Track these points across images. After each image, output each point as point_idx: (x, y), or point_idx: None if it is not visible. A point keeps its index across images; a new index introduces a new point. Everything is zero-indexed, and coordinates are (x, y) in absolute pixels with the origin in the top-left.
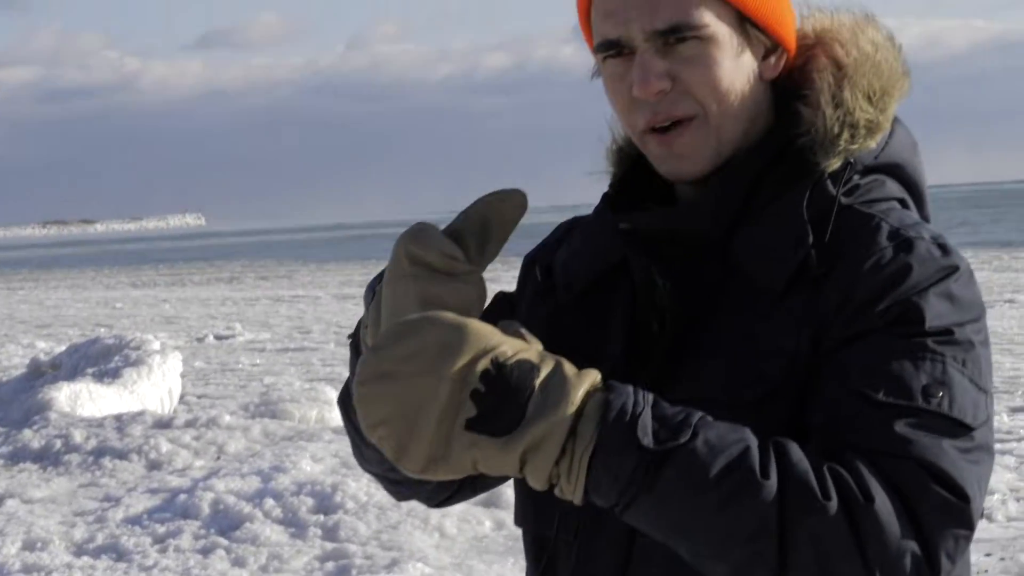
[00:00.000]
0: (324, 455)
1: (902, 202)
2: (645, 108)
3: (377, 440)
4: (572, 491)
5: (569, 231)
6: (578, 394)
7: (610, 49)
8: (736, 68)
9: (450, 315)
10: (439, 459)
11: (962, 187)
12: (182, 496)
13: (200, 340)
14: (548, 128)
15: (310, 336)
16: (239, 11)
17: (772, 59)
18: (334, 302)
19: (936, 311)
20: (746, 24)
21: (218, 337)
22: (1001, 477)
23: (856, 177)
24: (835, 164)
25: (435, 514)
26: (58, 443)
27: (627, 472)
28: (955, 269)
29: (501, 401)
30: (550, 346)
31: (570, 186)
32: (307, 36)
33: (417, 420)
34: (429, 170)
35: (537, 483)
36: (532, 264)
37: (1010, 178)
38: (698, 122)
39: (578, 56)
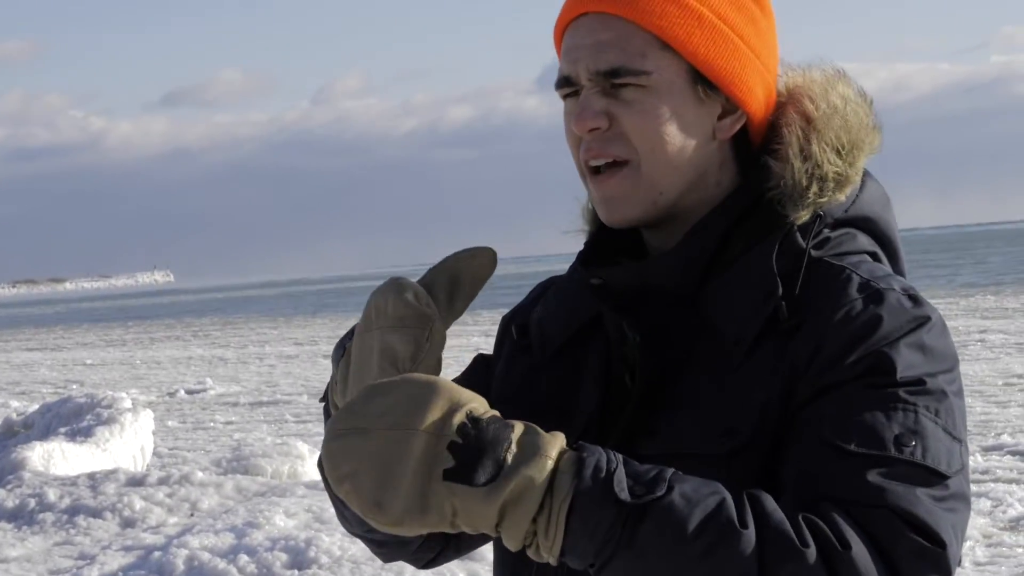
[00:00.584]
0: (297, 510)
1: (873, 255)
2: (584, 145)
3: (344, 495)
4: (549, 548)
5: (545, 290)
6: (554, 450)
7: (562, 86)
8: (679, 121)
9: (421, 375)
10: (414, 511)
11: (928, 230)
12: (156, 553)
13: (171, 395)
14: (514, 179)
15: (280, 390)
16: (202, 69)
17: (727, 120)
18: (304, 356)
19: (908, 362)
20: (699, 82)
21: (189, 392)
22: (973, 522)
23: (826, 230)
24: (804, 217)
25: (409, 569)
26: (32, 502)
27: (604, 528)
28: (926, 320)
29: (479, 453)
30: (526, 402)
31: (536, 237)
32: (271, 92)
33: (391, 473)
34: (396, 224)
35: (513, 540)
36: (509, 324)
37: (975, 221)
38: (629, 168)
39: (542, 108)
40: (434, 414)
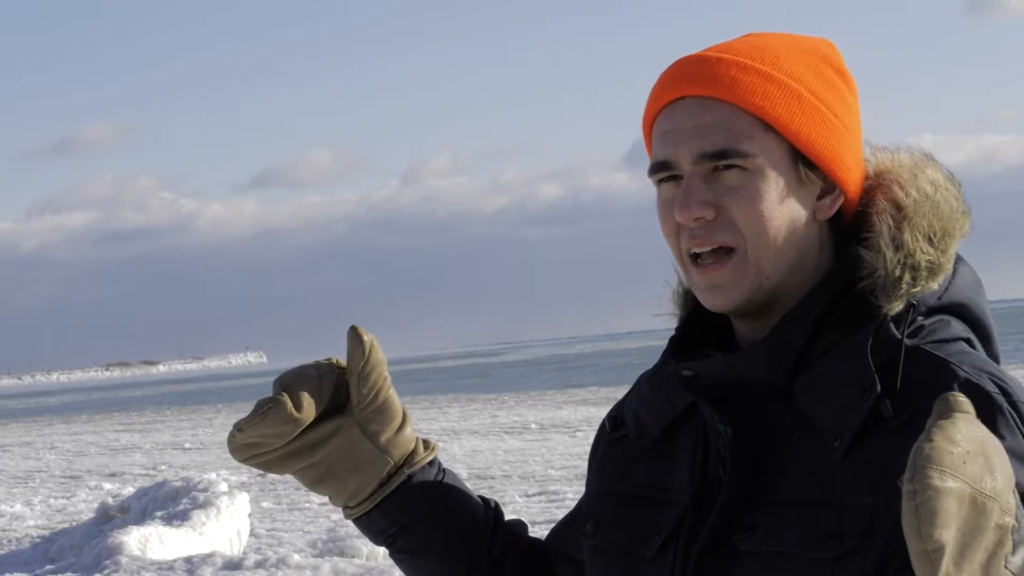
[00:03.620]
0: None
1: (968, 341)
2: (687, 233)
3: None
4: None
5: (639, 384)
6: None
7: (660, 171)
8: (783, 204)
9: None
10: None
11: (1018, 301)
12: None
13: (263, 475)
14: (603, 256)
15: None
16: (292, 149)
17: (827, 199)
18: None
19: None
20: (799, 161)
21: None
22: None
23: (920, 319)
24: (898, 307)
25: None
26: None
27: None
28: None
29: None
30: (624, 491)
31: (627, 314)
32: (361, 171)
33: (968, 546)
34: (485, 302)
35: None
36: (603, 421)
37: None
38: (738, 256)
39: (631, 183)
40: (1003, 484)
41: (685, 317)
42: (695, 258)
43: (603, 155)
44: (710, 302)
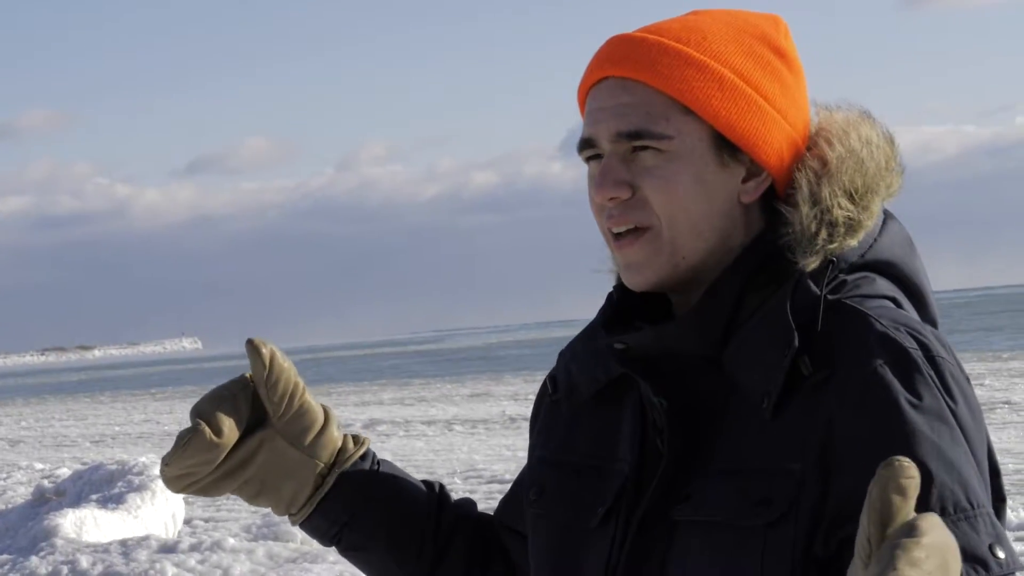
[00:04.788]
0: None
1: (894, 300)
2: (606, 212)
3: None
4: None
5: (563, 353)
6: None
7: (584, 149)
8: (700, 186)
9: None
10: None
11: (953, 292)
12: None
13: None
14: (539, 244)
15: None
16: (228, 136)
17: (752, 183)
18: None
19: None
20: (722, 144)
21: None
22: None
23: (842, 276)
24: (814, 263)
25: None
26: (65, 569)
27: None
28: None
29: None
30: (566, 461)
31: (563, 302)
32: (296, 159)
33: None
34: (420, 289)
35: None
36: (544, 384)
37: (1003, 283)
38: (651, 234)
39: (567, 172)
40: None
41: (619, 288)
42: (617, 236)
43: (538, 144)
44: (628, 280)
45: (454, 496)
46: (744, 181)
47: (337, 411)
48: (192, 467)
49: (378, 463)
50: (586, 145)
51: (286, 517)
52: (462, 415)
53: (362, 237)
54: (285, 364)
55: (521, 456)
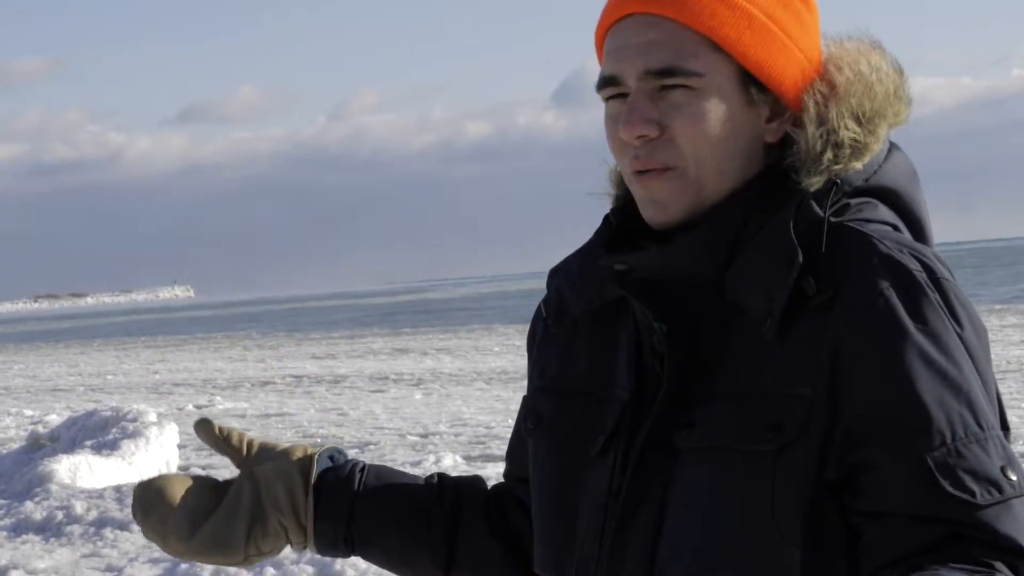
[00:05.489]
0: None
1: (894, 228)
2: (631, 151)
3: None
4: None
5: (556, 271)
6: None
7: (607, 87)
8: (728, 124)
9: None
10: None
11: (949, 245)
12: (183, 566)
13: (180, 409)
14: (531, 194)
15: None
16: (220, 84)
17: (775, 123)
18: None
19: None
20: (750, 83)
21: (198, 407)
22: None
23: (844, 199)
24: (817, 183)
25: None
26: (60, 514)
27: None
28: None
29: None
30: (563, 389)
31: (553, 252)
32: (288, 108)
33: None
34: (412, 239)
35: None
36: (538, 309)
37: (998, 236)
38: (678, 172)
39: (559, 122)
40: None
41: (622, 197)
42: (641, 171)
43: (531, 94)
44: (650, 217)
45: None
46: (768, 121)
47: (328, 363)
48: (158, 522)
49: (341, 453)
50: (609, 83)
51: (302, 537)
52: (455, 368)
53: (353, 186)
54: (227, 424)
55: (513, 408)
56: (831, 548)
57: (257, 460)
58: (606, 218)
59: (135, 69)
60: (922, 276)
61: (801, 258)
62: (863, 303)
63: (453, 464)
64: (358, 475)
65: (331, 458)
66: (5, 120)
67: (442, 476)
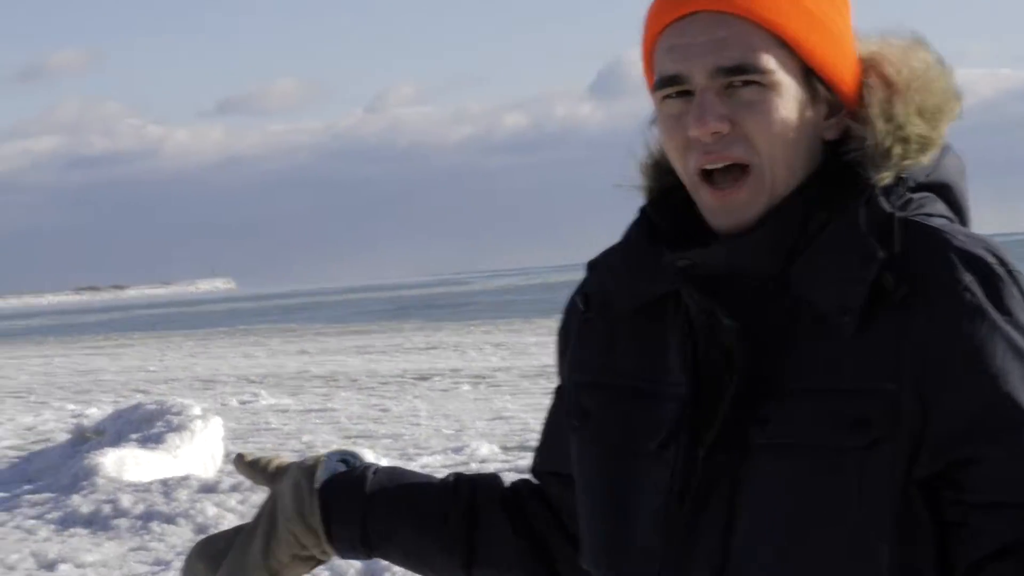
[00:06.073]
0: None
1: (950, 222)
2: (699, 149)
3: None
4: None
5: (596, 267)
6: None
7: (669, 85)
8: (797, 119)
9: None
10: None
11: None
12: None
13: (224, 405)
14: (567, 185)
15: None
16: (256, 77)
17: (834, 120)
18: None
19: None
20: (812, 79)
21: (242, 402)
22: None
23: (908, 194)
24: (887, 178)
25: None
26: (107, 508)
27: None
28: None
29: None
30: (610, 385)
31: (588, 243)
32: (325, 100)
33: None
34: (449, 231)
35: None
36: (572, 302)
37: None
38: (754, 174)
39: (596, 114)
40: None
41: (655, 190)
42: (707, 176)
43: (567, 86)
44: (721, 222)
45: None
46: (826, 117)
47: (369, 356)
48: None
49: (355, 455)
50: (672, 81)
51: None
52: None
53: (391, 178)
54: (253, 452)
55: None
56: (920, 544)
57: (280, 479)
58: (643, 211)
59: (172, 62)
60: (1000, 269)
61: (881, 253)
62: (947, 297)
63: (490, 453)
64: (370, 476)
65: (345, 462)
66: (45, 113)
67: (458, 474)
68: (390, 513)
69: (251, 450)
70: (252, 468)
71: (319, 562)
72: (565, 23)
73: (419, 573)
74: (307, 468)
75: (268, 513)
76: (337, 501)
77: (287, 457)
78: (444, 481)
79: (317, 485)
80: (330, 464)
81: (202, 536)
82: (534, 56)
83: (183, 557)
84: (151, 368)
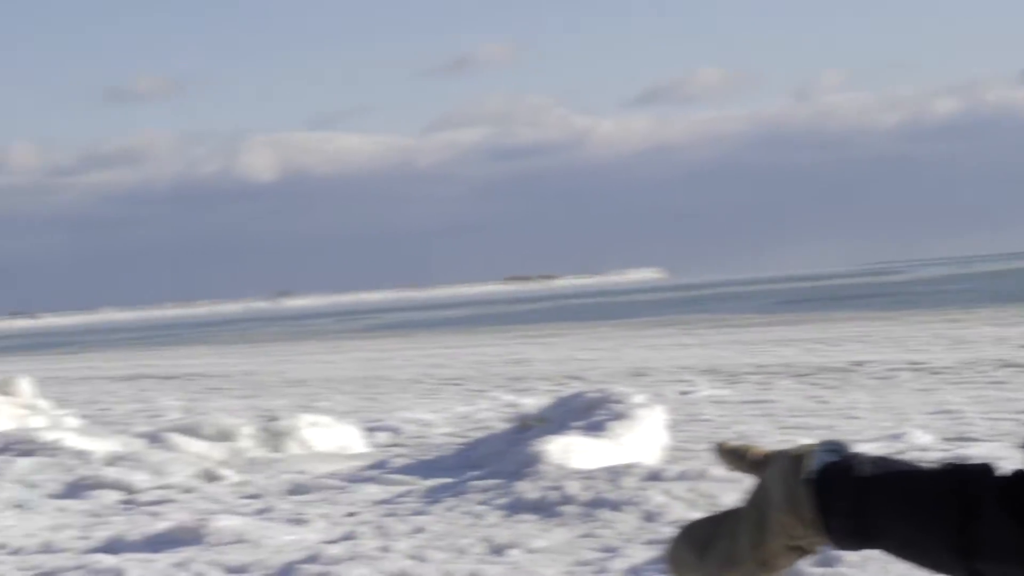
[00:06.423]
0: None
1: None
2: None
3: None
4: None
5: None
6: None
7: None
8: None
9: None
10: None
11: None
12: None
13: (658, 394)
14: (1003, 172)
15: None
16: (679, 66)
17: None
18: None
19: None
20: None
21: (682, 393)
22: None
23: None
24: None
25: None
26: (553, 495)
27: None
28: None
29: None
30: None
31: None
32: (751, 88)
33: None
34: (875, 218)
35: None
36: None
37: None
38: None
39: None
40: None
41: None
42: None
43: (996, 70)
44: None
45: None
46: None
47: (805, 347)
48: None
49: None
50: None
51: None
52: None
53: (819, 166)
54: (734, 445)
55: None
56: None
57: (764, 468)
58: None
59: (595, 52)
60: None
61: None
62: None
63: (931, 443)
64: (861, 465)
65: (834, 451)
66: (472, 104)
67: (951, 463)
68: (885, 503)
69: (730, 438)
70: (734, 456)
71: (807, 553)
72: (992, 4)
73: (916, 563)
74: (795, 457)
75: (755, 502)
76: (829, 491)
77: (767, 446)
78: (938, 470)
79: (808, 475)
80: (820, 453)
81: (684, 523)
82: (959, 40)
83: (631, 545)
84: (582, 357)
